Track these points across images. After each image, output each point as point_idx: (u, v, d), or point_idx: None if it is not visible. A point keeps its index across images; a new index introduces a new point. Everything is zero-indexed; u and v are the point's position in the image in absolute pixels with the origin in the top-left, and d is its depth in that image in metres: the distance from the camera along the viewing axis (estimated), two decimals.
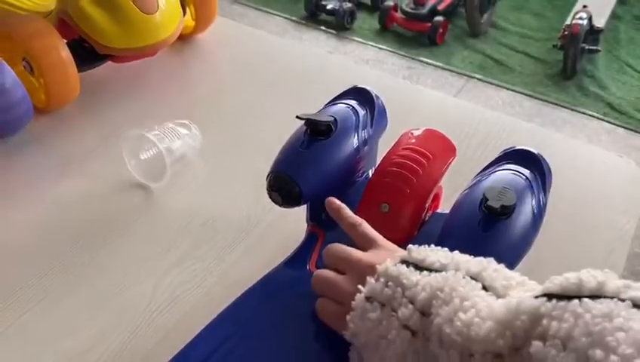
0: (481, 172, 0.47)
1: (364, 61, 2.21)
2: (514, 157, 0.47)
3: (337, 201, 0.45)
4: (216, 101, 0.73)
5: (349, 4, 2.35)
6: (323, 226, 0.47)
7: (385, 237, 0.45)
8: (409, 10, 2.31)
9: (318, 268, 0.44)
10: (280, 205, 0.46)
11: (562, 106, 2.02)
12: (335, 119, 0.48)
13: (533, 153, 0.46)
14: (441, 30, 2.24)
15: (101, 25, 0.66)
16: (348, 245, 0.45)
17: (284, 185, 0.46)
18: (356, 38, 2.32)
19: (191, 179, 0.62)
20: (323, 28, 2.37)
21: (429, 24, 2.25)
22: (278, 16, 2.43)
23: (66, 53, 0.64)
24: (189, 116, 0.65)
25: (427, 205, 0.47)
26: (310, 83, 0.76)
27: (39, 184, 0.60)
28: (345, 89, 0.54)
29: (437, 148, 0.48)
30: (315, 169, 0.46)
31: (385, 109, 0.53)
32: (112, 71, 0.74)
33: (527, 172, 0.45)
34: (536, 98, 2.06)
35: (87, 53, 0.68)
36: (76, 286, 0.51)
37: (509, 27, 2.39)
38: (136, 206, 0.58)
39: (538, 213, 0.43)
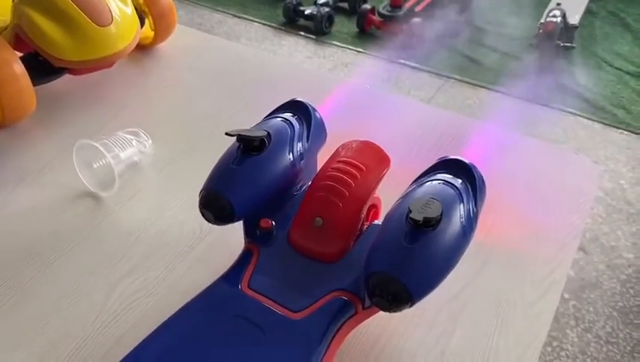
0: (415, 181, 0.47)
1: (344, 65, 2.22)
2: (447, 167, 0.47)
3: None
4: (173, 110, 0.73)
5: (327, 9, 2.36)
6: (258, 242, 0.47)
7: (320, 251, 0.46)
8: (386, 13, 2.32)
9: (251, 287, 0.44)
10: (213, 223, 0.47)
11: (539, 103, 2.04)
12: (268, 133, 0.48)
13: (465, 163, 0.47)
14: (417, 32, 2.26)
15: (54, 38, 0.66)
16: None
17: (215, 203, 0.46)
18: (335, 42, 2.33)
19: (143, 188, 0.62)
20: (302, 33, 2.38)
21: (406, 26, 2.26)
22: (257, 23, 2.44)
23: (19, 67, 0.64)
24: (146, 125, 0.66)
25: (362, 217, 0.47)
26: (271, 92, 0.76)
27: None
28: (290, 99, 0.54)
29: (370, 160, 0.49)
30: (247, 185, 0.46)
31: (322, 122, 0.53)
32: (70, 83, 0.74)
33: (458, 182, 0.45)
34: (512, 96, 2.07)
35: (42, 67, 0.68)
36: (25, 299, 0.51)
37: (486, 27, 2.41)
38: (89, 216, 0.59)
39: (468, 224, 0.43)
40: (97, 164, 0.61)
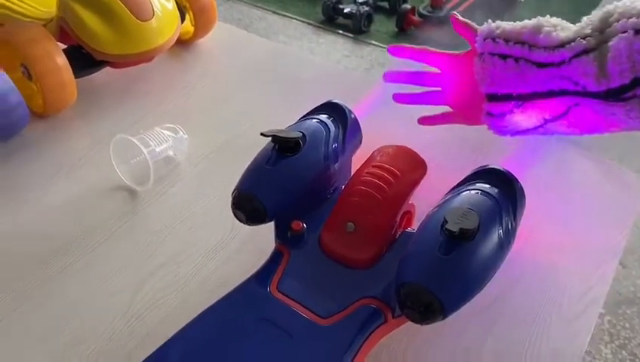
0: (452, 190, 0.46)
1: (381, 64, 2.20)
2: (486, 177, 0.45)
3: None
4: (210, 106, 0.73)
5: (367, 8, 2.34)
6: (289, 245, 0.47)
7: (351, 257, 0.45)
8: (426, 13, 2.30)
9: (280, 290, 0.44)
10: (244, 223, 0.46)
11: None
12: (304, 135, 0.48)
13: (505, 173, 0.45)
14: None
15: (96, 32, 0.67)
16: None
17: (247, 204, 0.45)
18: (373, 42, 2.32)
19: (178, 183, 0.62)
20: (340, 32, 2.37)
21: (446, 27, 2.23)
22: (295, 20, 2.44)
23: (61, 59, 0.65)
24: (183, 121, 0.66)
25: (396, 224, 0.46)
26: (307, 91, 0.76)
27: (28, 189, 0.61)
28: (327, 100, 0.54)
29: (406, 166, 0.48)
30: (280, 186, 0.46)
31: (358, 125, 0.52)
32: (111, 76, 0.75)
33: (497, 193, 0.44)
34: None
35: (84, 59, 0.69)
36: (52, 294, 0.52)
37: None
38: (122, 210, 0.59)
39: (505, 237, 0.42)
40: (134, 159, 0.61)
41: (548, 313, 0.51)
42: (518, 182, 0.46)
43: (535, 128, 0.55)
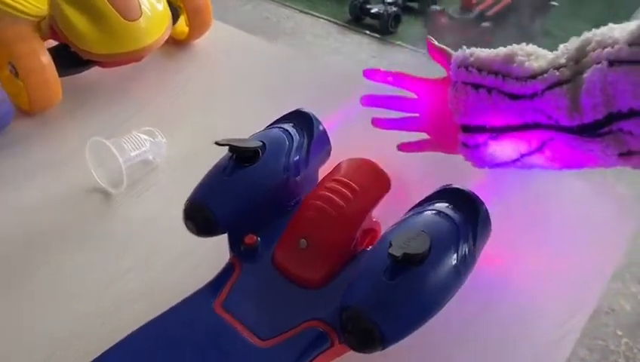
0: (411, 209, 0.44)
1: (407, 66, 2.16)
2: (448, 197, 0.43)
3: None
4: (197, 110, 0.72)
5: (395, 8, 2.31)
6: (241, 259, 0.45)
7: (302, 275, 0.43)
8: (456, 16, 2.24)
9: (224, 307, 0.42)
10: (196, 234, 0.45)
11: None
12: (264, 144, 0.46)
13: (470, 195, 0.43)
14: (487, 37, 2.17)
15: (82, 31, 0.66)
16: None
17: (198, 214, 0.44)
18: (400, 43, 2.28)
19: (153, 188, 0.61)
20: (367, 32, 2.34)
21: (476, 30, 2.17)
22: (322, 20, 2.42)
23: (46, 58, 0.65)
24: (166, 124, 0.65)
25: (354, 242, 0.44)
26: (300, 96, 0.73)
27: (5, 187, 0.61)
28: (295, 109, 0.52)
29: (367, 181, 0.45)
30: (234, 197, 0.44)
31: (327, 136, 0.50)
32: (100, 75, 0.75)
33: (457, 215, 0.41)
34: None
35: (70, 58, 0.69)
36: (16, 293, 0.51)
37: (562, 35, 2.28)
38: (95, 212, 0.59)
39: (462, 263, 0.39)
40: (109, 163, 0.60)
41: (520, 344, 0.48)
42: (483, 204, 0.43)
43: (512, 161, 0.51)
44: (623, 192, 0.61)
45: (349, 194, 0.44)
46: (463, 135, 0.52)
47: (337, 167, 0.48)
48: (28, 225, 0.57)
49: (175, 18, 0.76)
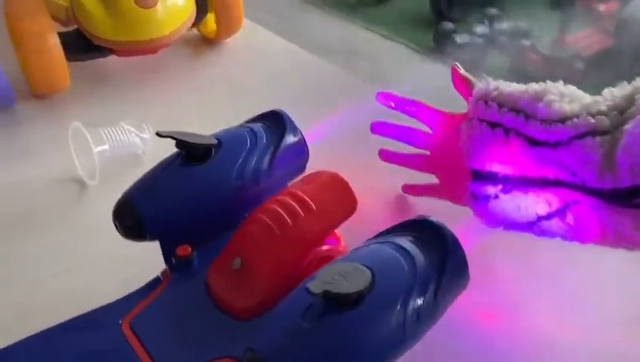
0: (371, 238, 0.35)
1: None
2: (418, 230, 0.34)
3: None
4: (203, 109, 0.67)
5: (481, 40, 2.20)
6: (172, 272, 0.38)
7: (229, 302, 0.36)
8: (547, 53, 2.10)
9: (131, 326, 0.35)
10: (123, 236, 0.39)
11: None
12: (219, 142, 0.39)
13: (444, 232, 0.34)
14: (579, 78, 2.00)
15: (94, 14, 0.64)
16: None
17: (125, 214, 0.38)
18: (484, 76, 2.16)
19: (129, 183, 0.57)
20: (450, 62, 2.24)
21: (568, 69, 2.02)
22: (404, 46, 2.35)
23: (53, 39, 0.62)
24: (173, 120, 0.61)
25: (299, 269, 0.36)
26: (322, 103, 0.67)
27: None
28: (271, 109, 0.45)
29: (329, 199, 0.37)
30: (170, 199, 0.38)
31: (303, 145, 0.43)
32: (117, 66, 0.72)
33: (421, 254, 0.32)
34: None
35: (83, 43, 0.66)
36: None
37: None
38: (66, 201, 0.55)
39: (414, 315, 0.30)
40: (89, 151, 0.56)
41: None
42: (458, 246, 0.33)
43: (528, 225, 0.41)
44: None
45: (301, 211, 0.36)
46: (473, 183, 0.43)
47: (301, 179, 0.40)
48: None
49: (203, 13, 0.72)
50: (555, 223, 0.40)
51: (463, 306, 0.36)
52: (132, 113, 0.65)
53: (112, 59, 0.70)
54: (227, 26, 0.75)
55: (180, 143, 0.39)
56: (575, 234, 0.39)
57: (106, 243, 0.50)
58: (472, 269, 0.34)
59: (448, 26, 2.24)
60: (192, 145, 0.39)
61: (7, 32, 0.62)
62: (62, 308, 0.44)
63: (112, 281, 0.46)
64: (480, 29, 2.23)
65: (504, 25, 2.28)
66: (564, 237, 0.40)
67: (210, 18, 0.75)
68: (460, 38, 2.22)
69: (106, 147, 0.54)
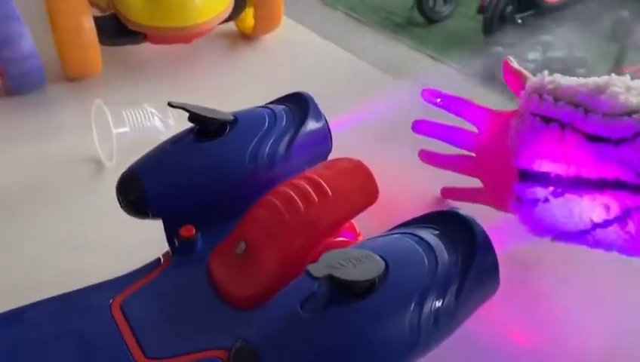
0: (397, 226, 0.32)
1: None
2: (445, 223, 0.30)
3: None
4: (232, 103, 0.64)
5: (533, 66, 2.14)
6: (173, 254, 0.35)
7: (230, 289, 0.32)
8: None
9: (122, 307, 0.32)
10: (125, 211, 0.36)
11: None
12: (236, 119, 0.37)
13: (474, 228, 0.29)
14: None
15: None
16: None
17: (129, 187, 0.35)
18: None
19: None
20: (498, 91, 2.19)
21: None
22: (453, 70, 2.30)
23: (87, 20, 0.61)
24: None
25: (307, 259, 0.32)
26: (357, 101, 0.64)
27: (12, 147, 0.58)
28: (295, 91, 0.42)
29: (347, 187, 0.34)
30: (177, 175, 0.35)
31: (326, 132, 0.39)
32: (152, 53, 0.71)
33: (445, 249, 0.28)
34: None
35: (118, 28, 0.65)
36: None
37: None
38: (81, 181, 0.54)
39: (430, 317, 0.26)
40: (108, 132, 0.55)
41: None
42: (490, 247, 0.29)
43: (580, 234, 0.37)
44: None
45: (316, 197, 0.33)
46: (520, 184, 0.39)
47: (320, 164, 0.37)
48: (8, 178, 0.54)
49: (241, 7, 0.70)
50: (612, 232, 0.35)
51: (490, 316, 0.32)
52: (161, 101, 0.63)
53: (146, 46, 0.68)
54: (265, 22, 0.73)
55: (192, 116, 0.36)
56: (636, 246, 0.35)
57: (115, 226, 0.48)
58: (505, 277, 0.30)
59: (498, 49, 2.19)
60: (206, 118, 0.36)
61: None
62: (63, 288, 0.42)
63: (118, 265, 0.44)
64: (532, 55, 2.17)
65: (558, 53, 2.22)
66: (621, 250, 0.36)
67: (249, 13, 0.73)
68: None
69: (126, 129, 0.52)
